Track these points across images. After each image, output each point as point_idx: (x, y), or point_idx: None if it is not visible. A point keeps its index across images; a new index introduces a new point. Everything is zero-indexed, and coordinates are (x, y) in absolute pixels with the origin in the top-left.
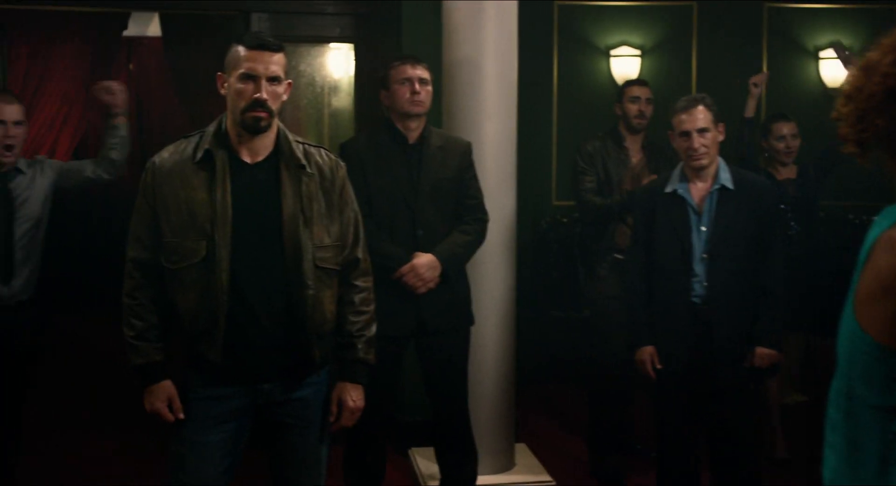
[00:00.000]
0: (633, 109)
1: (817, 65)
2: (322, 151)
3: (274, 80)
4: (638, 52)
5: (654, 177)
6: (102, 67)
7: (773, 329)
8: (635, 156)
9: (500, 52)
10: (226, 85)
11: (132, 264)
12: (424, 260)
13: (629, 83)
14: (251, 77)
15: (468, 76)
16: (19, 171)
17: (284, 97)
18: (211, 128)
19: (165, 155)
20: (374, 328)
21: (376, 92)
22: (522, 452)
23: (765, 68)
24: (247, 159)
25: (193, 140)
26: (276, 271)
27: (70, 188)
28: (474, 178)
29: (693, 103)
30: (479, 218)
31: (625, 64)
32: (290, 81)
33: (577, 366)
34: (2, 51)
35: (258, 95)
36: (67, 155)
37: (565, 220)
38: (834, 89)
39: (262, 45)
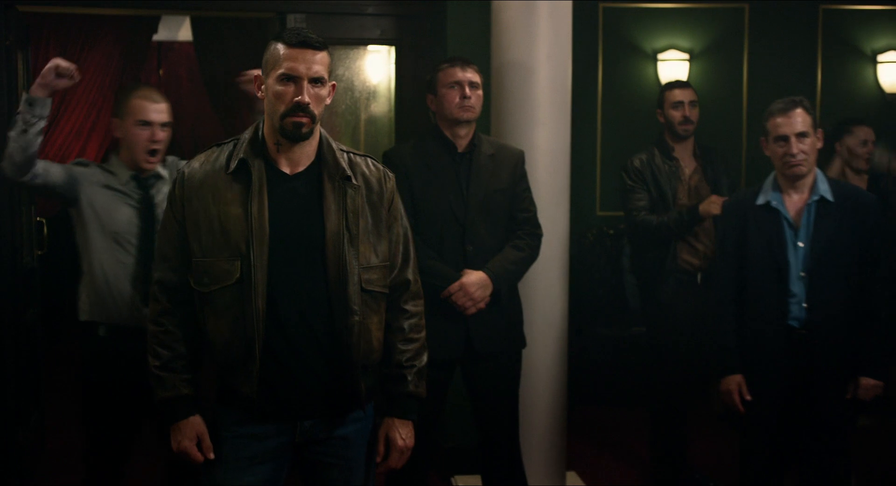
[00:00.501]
0: (676, 115)
1: (875, 69)
2: (369, 160)
3: (317, 81)
4: (686, 56)
5: (716, 197)
6: (131, 73)
7: (879, 357)
8: (688, 166)
9: (554, 55)
10: (263, 87)
11: (158, 286)
12: (475, 278)
13: (669, 86)
14: (292, 78)
15: (519, 80)
16: (158, 175)
17: (328, 101)
18: (246, 135)
19: (196, 165)
20: (425, 358)
21: (418, 97)
22: (574, 481)
23: (819, 73)
24: (286, 170)
25: (227, 148)
26: (318, 295)
27: None
28: (527, 189)
29: (791, 105)
30: (532, 232)
31: (672, 68)
32: (334, 82)
33: (632, 388)
34: (27, 55)
35: (299, 97)
36: (96, 161)
37: (612, 232)
38: (893, 95)
39: (304, 42)
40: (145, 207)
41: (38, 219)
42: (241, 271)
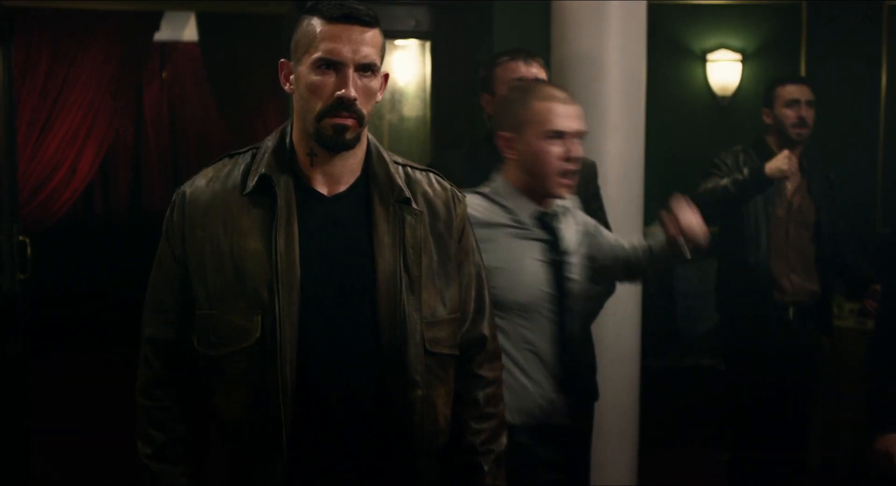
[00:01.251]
0: (790, 115)
1: None
2: (432, 176)
3: (366, 69)
4: (738, 56)
5: (788, 152)
6: (132, 73)
7: None
8: (791, 180)
9: (628, 47)
10: (292, 78)
11: (150, 346)
12: None
13: (781, 81)
14: (332, 64)
15: (586, 76)
16: (565, 210)
17: (379, 97)
18: (269, 142)
19: (201, 183)
20: (504, 440)
21: (457, 99)
22: None
23: (884, 76)
24: (322, 190)
25: (243, 161)
26: (366, 360)
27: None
28: (602, 209)
29: None
30: None
31: (723, 70)
32: (387, 72)
33: (700, 427)
34: (8, 51)
35: (343, 91)
36: (92, 170)
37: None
38: None
39: (349, 15)
40: (552, 248)
41: (20, 238)
42: (263, 329)
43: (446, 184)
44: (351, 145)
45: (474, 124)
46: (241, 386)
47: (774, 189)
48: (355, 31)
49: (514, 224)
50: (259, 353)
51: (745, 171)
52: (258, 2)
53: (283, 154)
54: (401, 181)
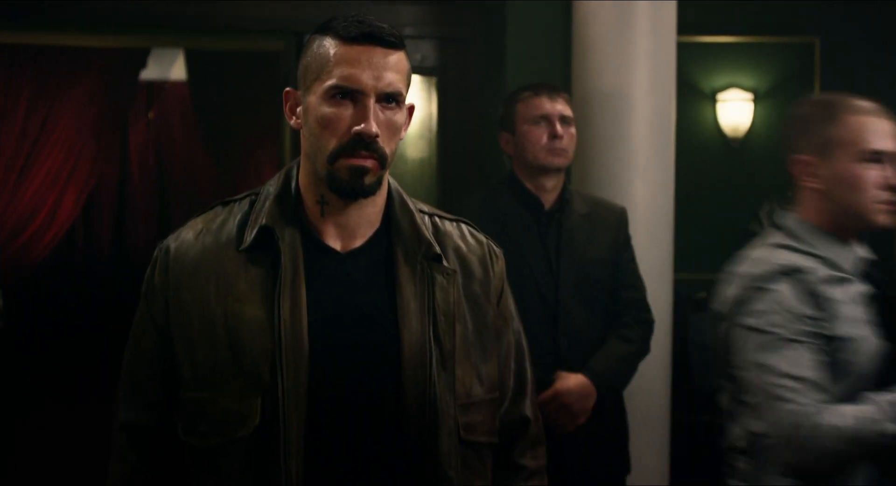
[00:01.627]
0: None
1: None
2: (464, 227)
3: (390, 99)
4: (750, 96)
5: None
6: (116, 113)
7: None
8: None
9: (657, 83)
10: (299, 110)
11: (126, 435)
12: (573, 383)
13: None
14: (350, 93)
15: (612, 115)
16: None
17: (404, 133)
18: (271, 187)
19: (189, 236)
20: None
21: (465, 139)
22: None
23: None
24: (335, 245)
25: (239, 210)
26: (389, 453)
27: None
28: (633, 260)
29: None
30: (642, 319)
31: (734, 110)
32: (412, 104)
33: None
34: None
35: (362, 126)
36: (72, 216)
37: (704, 295)
38: None
39: (370, 35)
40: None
41: None
42: (264, 415)
43: (481, 237)
44: (370, 192)
45: (483, 167)
46: (237, 483)
47: None
48: (377, 54)
49: (837, 276)
50: (258, 444)
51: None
52: (251, 38)
53: (288, 202)
54: (429, 234)
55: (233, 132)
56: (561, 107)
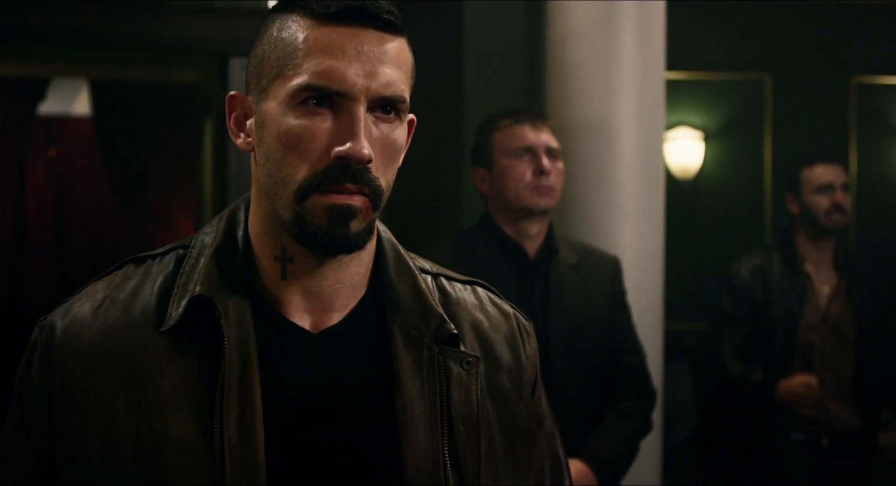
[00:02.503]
0: (822, 202)
1: None
2: (481, 292)
3: (389, 106)
4: (699, 134)
5: (808, 379)
6: (11, 151)
7: None
8: (824, 282)
9: (646, 110)
10: (249, 124)
11: None
12: (572, 472)
13: (808, 160)
14: (329, 97)
15: (594, 149)
16: None
17: (402, 154)
18: (206, 238)
19: (84, 310)
20: None
21: (418, 174)
22: None
23: (852, 154)
24: (302, 322)
25: (159, 270)
26: None
27: None
28: (630, 319)
29: None
30: (644, 390)
31: (683, 149)
32: (412, 116)
33: None
34: None
35: (348, 146)
36: None
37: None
38: None
39: (357, 11)
40: None
41: None
42: None
43: (506, 306)
44: (358, 244)
45: (440, 209)
46: None
47: (805, 295)
48: (369, 39)
49: None
50: None
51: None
52: (163, 68)
53: (233, 259)
54: (434, 301)
55: (143, 173)
56: (546, 137)
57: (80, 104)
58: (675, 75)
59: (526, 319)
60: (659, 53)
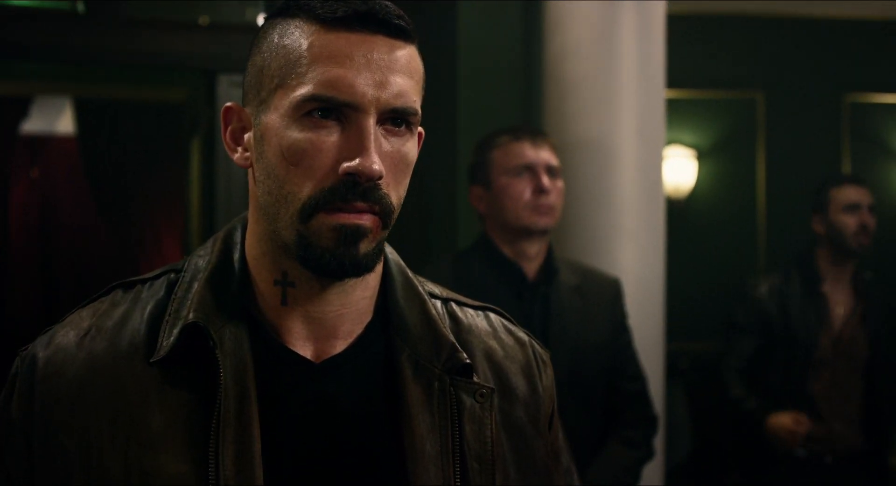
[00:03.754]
0: (849, 222)
1: None
2: (493, 318)
3: (400, 119)
4: (692, 153)
5: (799, 419)
6: None
7: None
8: (841, 304)
9: (647, 128)
10: (247, 138)
11: None
12: None
13: (837, 181)
14: (336, 109)
15: (593, 169)
16: None
17: (412, 169)
18: (201, 260)
19: (68, 339)
20: None
21: (409, 193)
22: None
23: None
24: (303, 351)
25: (149, 296)
26: None
27: None
28: (631, 344)
29: None
30: (646, 416)
31: (676, 168)
32: (421, 130)
33: None
34: None
35: (357, 162)
36: None
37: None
38: None
39: (366, 15)
40: None
41: None
42: None
43: (521, 333)
44: (367, 267)
45: (432, 227)
46: None
47: (823, 317)
48: (379, 46)
49: None
50: None
51: (752, 404)
52: (148, 85)
53: (229, 284)
54: (444, 328)
55: (129, 193)
56: (546, 155)
57: (64, 123)
58: (668, 93)
59: (542, 347)
60: (659, 70)
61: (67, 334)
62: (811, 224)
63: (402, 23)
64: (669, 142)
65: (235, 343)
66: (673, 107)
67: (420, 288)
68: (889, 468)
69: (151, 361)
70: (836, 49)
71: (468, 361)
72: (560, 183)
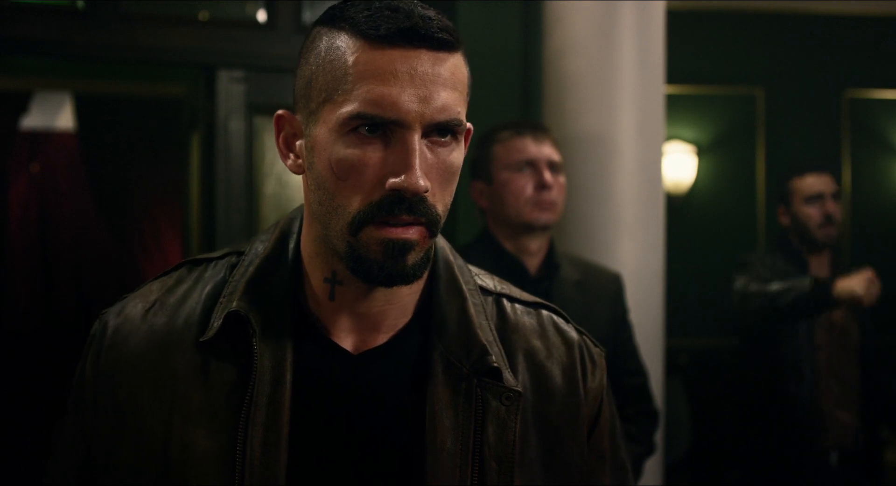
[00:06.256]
0: (813, 213)
1: None
2: (546, 316)
3: (446, 131)
4: (692, 148)
5: (871, 273)
6: None
7: None
8: None
9: (646, 124)
10: (299, 146)
11: None
12: None
13: (798, 171)
14: (383, 125)
15: (593, 164)
16: None
17: (458, 173)
18: (260, 246)
19: (135, 310)
20: None
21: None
22: None
23: (845, 168)
24: (345, 343)
25: (212, 276)
26: None
27: None
28: (632, 339)
29: None
30: (646, 411)
31: (676, 163)
32: (470, 126)
33: None
34: None
35: (402, 178)
36: None
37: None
38: None
39: (411, 31)
40: None
41: None
42: None
43: (572, 333)
44: (415, 276)
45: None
46: None
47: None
48: (423, 61)
49: None
50: None
51: (807, 282)
52: (148, 81)
53: (281, 274)
54: (485, 334)
55: (129, 188)
56: (549, 150)
57: (64, 118)
58: (668, 89)
59: (596, 345)
60: (658, 65)
61: (136, 305)
62: (777, 217)
63: (446, 35)
64: (669, 138)
65: (277, 331)
66: (672, 103)
67: (463, 286)
68: (883, 466)
69: (201, 340)
70: (835, 45)
71: (496, 365)
72: (562, 178)
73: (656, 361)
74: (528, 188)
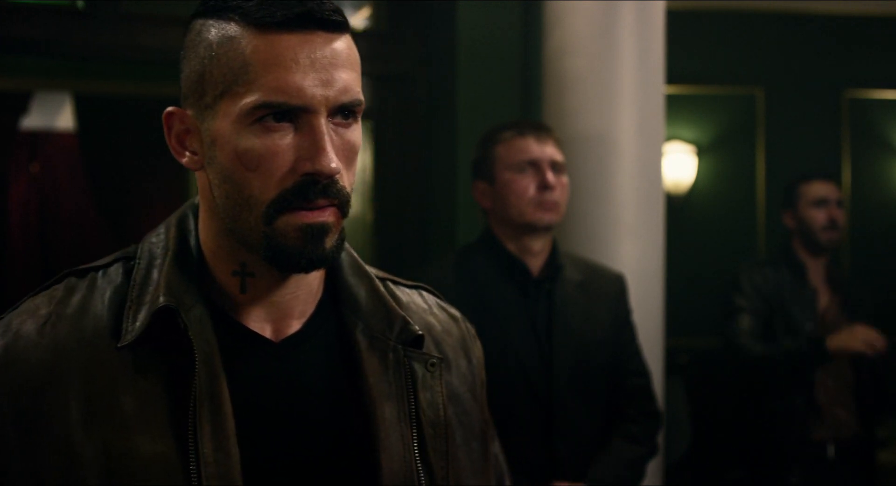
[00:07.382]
0: (818, 217)
1: None
2: (426, 296)
3: (348, 112)
4: (692, 148)
5: (863, 328)
6: None
7: None
8: (822, 294)
9: (647, 123)
10: (193, 140)
11: None
12: None
13: (806, 177)
14: (289, 112)
15: (593, 164)
16: None
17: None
18: (157, 248)
19: (28, 327)
20: None
21: (407, 192)
22: None
23: (846, 168)
24: (263, 330)
25: (106, 283)
26: None
27: None
28: (635, 340)
29: None
30: (649, 412)
31: (676, 164)
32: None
33: None
34: None
35: (319, 163)
36: None
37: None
38: None
39: (304, 15)
40: None
41: None
42: None
43: (453, 310)
44: (335, 258)
45: (429, 227)
46: None
47: (812, 304)
48: (319, 44)
49: None
50: None
51: (804, 343)
52: (149, 82)
53: (189, 269)
54: (392, 302)
55: (129, 189)
56: (551, 150)
57: (64, 118)
58: (668, 89)
59: (469, 323)
60: (658, 65)
61: (26, 322)
62: (782, 219)
63: (338, 16)
64: (669, 138)
65: (201, 326)
66: (672, 103)
67: (367, 267)
68: (880, 464)
69: (119, 346)
70: (835, 45)
71: (420, 333)
72: (565, 179)
73: (656, 361)
74: (531, 189)
